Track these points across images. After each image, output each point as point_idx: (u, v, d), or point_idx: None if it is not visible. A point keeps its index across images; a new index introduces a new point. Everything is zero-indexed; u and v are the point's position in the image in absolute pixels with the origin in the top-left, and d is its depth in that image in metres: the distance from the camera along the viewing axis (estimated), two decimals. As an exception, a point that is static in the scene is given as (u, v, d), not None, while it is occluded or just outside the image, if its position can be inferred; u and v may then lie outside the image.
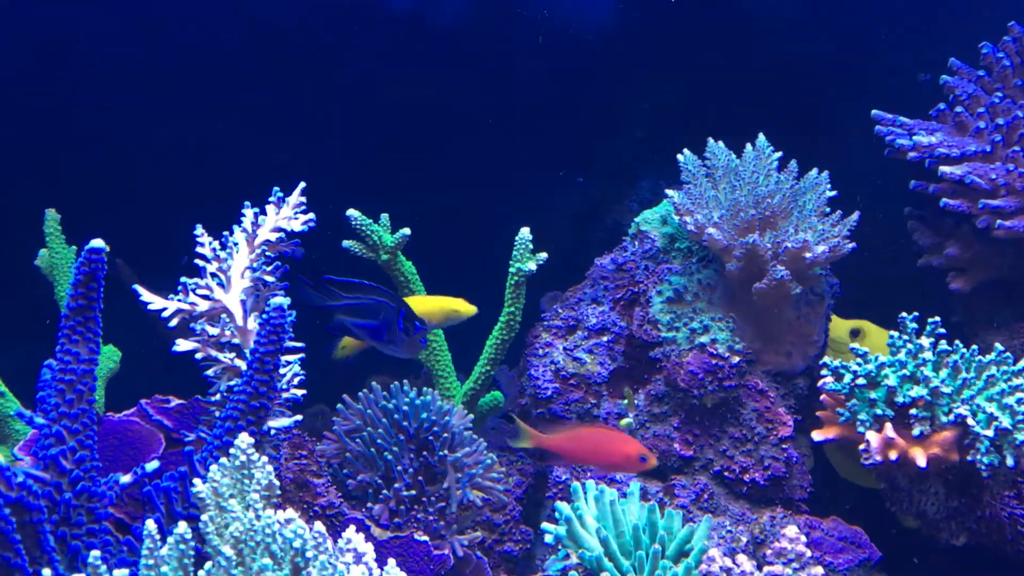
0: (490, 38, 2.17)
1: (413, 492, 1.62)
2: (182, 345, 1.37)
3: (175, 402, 1.69)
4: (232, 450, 1.13)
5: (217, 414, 1.48)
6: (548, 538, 1.52)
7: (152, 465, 1.37)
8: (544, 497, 1.87)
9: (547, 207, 2.28)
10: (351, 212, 1.90)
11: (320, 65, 2.15)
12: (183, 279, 1.41)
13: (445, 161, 2.21)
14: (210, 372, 1.39)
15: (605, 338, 1.88)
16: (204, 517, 1.08)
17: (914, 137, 1.74)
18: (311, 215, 1.45)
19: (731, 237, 1.71)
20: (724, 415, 1.74)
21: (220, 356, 1.38)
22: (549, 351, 1.92)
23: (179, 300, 1.37)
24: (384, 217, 1.94)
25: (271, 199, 1.45)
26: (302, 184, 1.46)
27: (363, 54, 2.16)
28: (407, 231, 1.92)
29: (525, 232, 1.88)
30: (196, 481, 1.11)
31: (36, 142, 2.12)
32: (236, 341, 1.39)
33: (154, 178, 2.19)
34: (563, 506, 1.53)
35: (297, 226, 1.44)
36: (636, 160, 2.26)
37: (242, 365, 1.39)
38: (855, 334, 2.02)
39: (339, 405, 1.74)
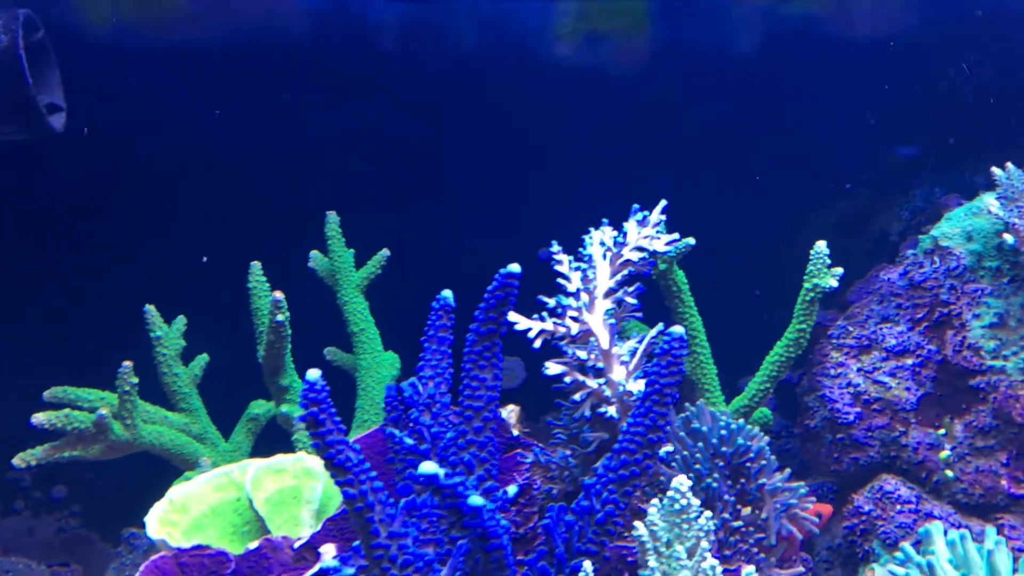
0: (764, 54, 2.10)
1: (740, 523, 1.55)
2: (552, 369, 1.33)
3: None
4: (670, 493, 1.07)
5: (556, 432, 1.45)
6: (899, 581, 1.44)
7: (512, 490, 1.33)
8: (842, 528, 1.78)
9: (811, 212, 2.18)
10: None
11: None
12: (541, 298, 1.37)
13: (709, 166, 2.13)
14: (577, 396, 1.34)
15: (909, 361, 1.78)
16: (652, 562, 1.04)
17: None
18: (676, 235, 1.39)
19: (1082, 263, 1.59)
20: (1061, 452, 1.62)
21: (588, 381, 1.33)
22: (843, 371, 1.83)
23: (552, 321, 1.32)
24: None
25: (634, 216, 1.39)
26: (663, 202, 1.40)
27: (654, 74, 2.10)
28: (691, 241, 1.84)
29: (821, 246, 1.78)
30: (637, 523, 1.06)
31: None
32: (600, 365, 1.34)
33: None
34: (910, 549, 1.44)
35: (661, 246, 1.38)
36: (910, 167, 2.14)
37: (607, 392, 1.34)
38: None
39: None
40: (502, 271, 1.15)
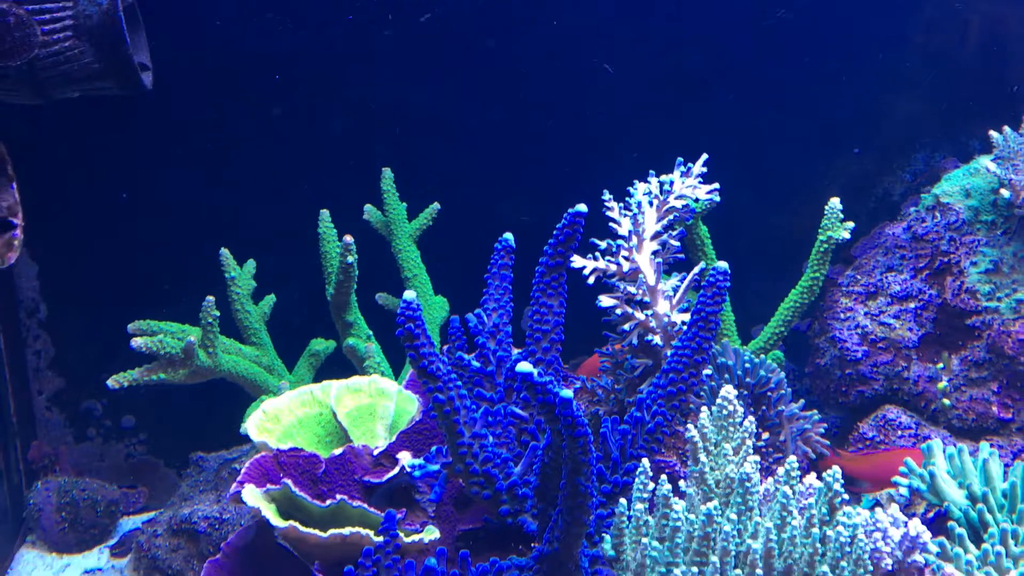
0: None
1: (761, 443, 1.75)
2: (605, 301, 1.51)
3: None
4: (719, 401, 1.26)
5: (603, 361, 1.63)
6: (903, 491, 1.64)
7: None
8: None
9: (818, 175, 2.35)
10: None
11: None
12: (594, 240, 1.55)
13: (730, 129, 2.28)
14: (626, 326, 1.52)
15: (912, 304, 1.97)
16: (702, 458, 1.22)
17: None
18: (716, 184, 1.56)
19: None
20: (1046, 383, 1.82)
21: (636, 313, 1.51)
22: (851, 315, 2.02)
23: (605, 260, 1.50)
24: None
25: (678, 168, 1.56)
26: (705, 155, 1.57)
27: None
28: (716, 197, 2.01)
29: (835, 202, 1.97)
30: (689, 426, 1.25)
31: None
32: (646, 299, 1.52)
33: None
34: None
35: (702, 194, 1.56)
36: (912, 131, 2.31)
37: (653, 323, 1.52)
38: None
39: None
40: (570, 211, 1.32)
